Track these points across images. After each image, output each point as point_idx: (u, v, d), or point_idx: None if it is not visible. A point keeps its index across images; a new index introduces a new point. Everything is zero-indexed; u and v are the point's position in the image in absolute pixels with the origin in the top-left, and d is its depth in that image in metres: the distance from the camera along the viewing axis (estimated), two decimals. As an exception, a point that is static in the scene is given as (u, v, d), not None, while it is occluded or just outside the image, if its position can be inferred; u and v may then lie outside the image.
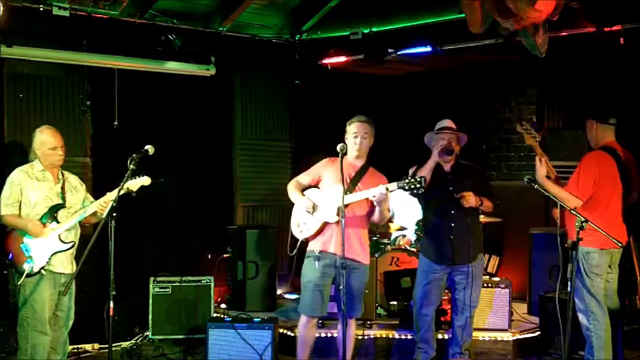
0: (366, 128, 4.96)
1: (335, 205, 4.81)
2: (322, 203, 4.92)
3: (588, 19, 5.76)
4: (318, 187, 5.06)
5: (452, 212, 5.29)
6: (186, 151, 6.92)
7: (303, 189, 5.08)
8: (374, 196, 4.69)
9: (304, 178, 5.13)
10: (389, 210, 5.06)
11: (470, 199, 5.19)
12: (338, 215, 4.79)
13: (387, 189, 4.64)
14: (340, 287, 4.43)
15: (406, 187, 4.65)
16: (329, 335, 5.80)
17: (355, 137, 4.95)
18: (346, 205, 4.78)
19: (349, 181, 4.91)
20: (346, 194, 4.75)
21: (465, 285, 5.28)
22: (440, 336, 5.74)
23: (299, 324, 5.07)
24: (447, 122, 5.45)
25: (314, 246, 4.94)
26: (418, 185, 4.62)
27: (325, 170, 5.03)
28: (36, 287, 4.73)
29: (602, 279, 4.94)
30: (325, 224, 4.90)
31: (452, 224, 5.29)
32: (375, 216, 4.90)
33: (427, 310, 5.38)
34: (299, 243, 5.01)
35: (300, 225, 5.00)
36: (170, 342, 6.33)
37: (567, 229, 4.90)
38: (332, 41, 7.38)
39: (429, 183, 5.23)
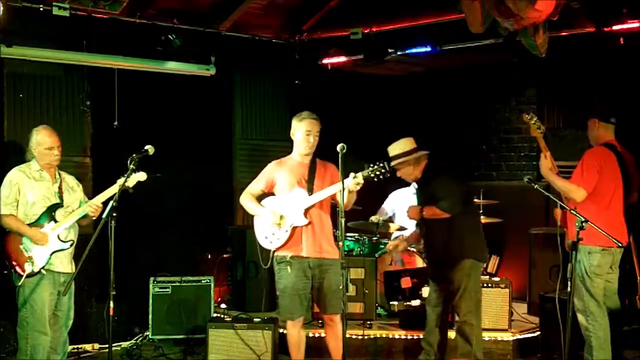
0: (318, 126, 4.95)
1: (302, 207, 4.84)
2: (286, 209, 4.91)
3: (588, 19, 5.76)
4: (273, 193, 5.05)
5: (422, 227, 5.39)
6: (186, 151, 6.92)
7: (258, 197, 5.08)
8: (347, 187, 4.63)
9: (256, 186, 5.09)
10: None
11: (408, 214, 5.30)
12: (306, 217, 4.84)
13: (355, 177, 4.62)
14: (340, 287, 4.42)
15: (372, 175, 4.63)
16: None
17: (308, 135, 4.91)
18: (312, 206, 4.84)
19: (304, 182, 4.91)
20: (310, 194, 4.84)
21: (452, 291, 5.28)
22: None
23: (286, 327, 5.08)
24: (392, 150, 5.29)
25: (284, 252, 4.93)
26: (383, 171, 4.60)
27: (277, 174, 5.01)
28: (36, 287, 4.73)
29: (602, 280, 4.94)
30: (294, 229, 4.89)
31: (426, 245, 5.47)
32: (345, 201, 4.71)
33: (430, 310, 5.42)
34: (272, 254, 5.02)
35: (269, 236, 4.98)
36: (170, 342, 6.33)
37: (567, 228, 4.90)
38: (332, 41, 7.38)
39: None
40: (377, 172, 4.61)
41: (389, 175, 4.70)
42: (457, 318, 5.35)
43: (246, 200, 5.10)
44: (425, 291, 5.93)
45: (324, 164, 5.03)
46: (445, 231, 5.18)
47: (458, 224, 5.17)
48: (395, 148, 5.28)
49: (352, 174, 4.65)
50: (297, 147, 5.00)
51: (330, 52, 7.47)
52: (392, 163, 5.11)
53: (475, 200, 6.98)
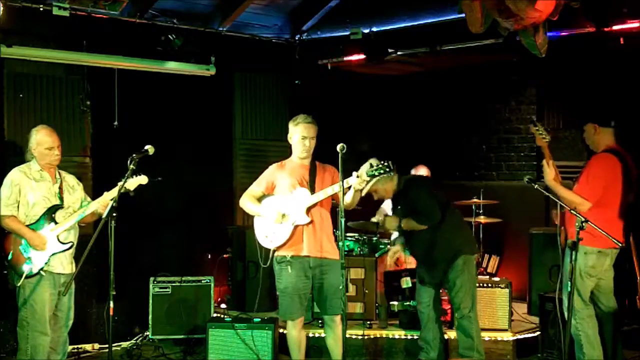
0: (314, 130, 4.97)
1: (304, 205, 4.86)
2: (287, 208, 4.93)
3: (588, 19, 5.76)
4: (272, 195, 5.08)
5: (408, 239, 5.44)
6: (186, 151, 6.93)
7: (258, 200, 5.10)
8: (351, 185, 4.68)
9: (256, 189, 5.12)
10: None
11: (385, 225, 5.41)
12: (308, 215, 4.86)
13: (358, 175, 4.65)
14: (340, 288, 4.42)
15: (376, 174, 4.65)
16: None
17: (304, 139, 4.94)
18: (313, 206, 4.86)
19: (305, 183, 4.94)
20: (311, 193, 4.87)
21: (447, 288, 5.39)
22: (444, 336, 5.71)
23: (286, 328, 5.08)
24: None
25: (284, 252, 4.94)
26: (387, 169, 4.63)
27: (278, 176, 5.04)
28: (36, 287, 4.73)
29: (594, 280, 4.94)
30: (295, 228, 4.90)
31: (412, 252, 5.59)
32: (348, 200, 4.80)
33: (421, 307, 5.47)
34: (271, 252, 5.04)
35: (270, 235, 4.99)
36: (170, 342, 6.33)
37: (567, 228, 4.90)
38: (332, 41, 7.38)
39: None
40: (381, 171, 4.63)
41: (392, 174, 4.71)
42: (456, 315, 5.38)
43: (247, 201, 5.11)
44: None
45: (323, 166, 5.07)
46: (429, 236, 5.28)
47: (441, 228, 5.28)
48: None
49: (355, 173, 4.67)
50: (294, 150, 5.04)
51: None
52: (367, 188, 5.15)
53: (475, 200, 7.01)
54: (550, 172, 4.86)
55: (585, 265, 4.87)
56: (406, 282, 6.32)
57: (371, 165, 4.67)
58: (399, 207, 5.42)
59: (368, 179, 4.68)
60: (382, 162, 4.65)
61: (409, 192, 5.36)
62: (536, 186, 4.72)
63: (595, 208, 4.78)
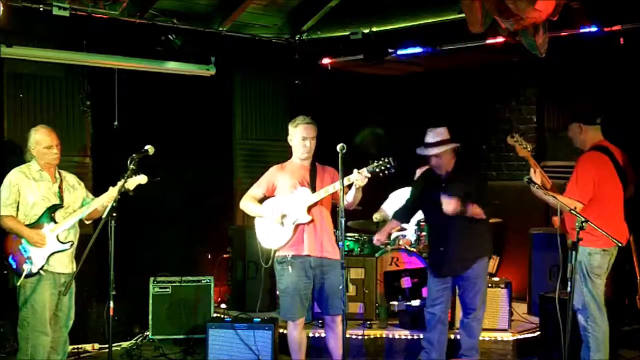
0: (314, 130, 4.99)
1: (305, 204, 4.88)
2: (289, 207, 4.94)
3: (588, 19, 5.76)
4: (273, 197, 5.08)
5: (443, 219, 5.18)
6: (186, 151, 6.93)
7: (259, 201, 5.11)
8: (352, 182, 4.67)
9: (257, 190, 5.12)
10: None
11: (447, 206, 5.01)
12: (309, 214, 4.87)
13: (360, 172, 4.65)
14: (340, 287, 4.43)
15: (377, 170, 4.65)
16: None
17: (304, 140, 4.95)
18: (314, 205, 4.87)
19: (306, 183, 4.96)
20: (312, 192, 4.89)
21: (465, 289, 5.29)
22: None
23: (287, 328, 5.08)
24: (431, 138, 5.24)
25: (285, 252, 4.95)
26: (388, 166, 4.63)
27: (278, 177, 5.06)
28: (36, 287, 4.73)
29: (602, 280, 4.93)
30: (296, 227, 4.91)
31: (443, 234, 5.24)
32: (350, 199, 4.83)
33: (433, 309, 5.36)
34: (272, 253, 5.04)
35: (271, 235, 5.01)
36: (170, 342, 6.34)
37: (567, 229, 4.89)
38: (332, 41, 7.38)
39: (422, 191, 5.34)
40: (382, 167, 4.65)
41: (393, 170, 4.71)
42: (469, 316, 5.31)
43: (247, 202, 5.12)
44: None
45: (323, 167, 5.09)
46: (471, 227, 5.16)
47: (478, 225, 5.21)
48: (443, 133, 5.23)
49: (356, 170, 4.67)
50: (295, 152, 5.05)
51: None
52: (442, 148, 5.15)
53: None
54: (536, 180, 4.87)
55: (592, 266, 4.86)
56: (406, 282, 6.32)
57: (372, 162, 4.67)
58: (450, 186, 5.15)
59: (369, 175, 4.68)
60: (384, 159, 4.66)
61: (470, 176, 5.27)
62: (535, 187, 4.73)
63: (592, 207, 4.78)
